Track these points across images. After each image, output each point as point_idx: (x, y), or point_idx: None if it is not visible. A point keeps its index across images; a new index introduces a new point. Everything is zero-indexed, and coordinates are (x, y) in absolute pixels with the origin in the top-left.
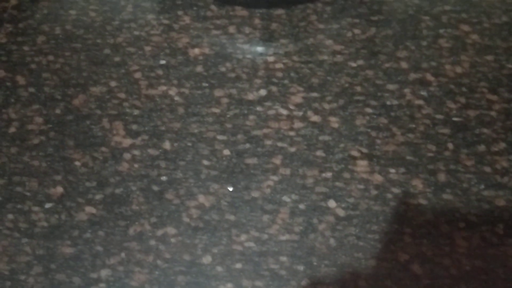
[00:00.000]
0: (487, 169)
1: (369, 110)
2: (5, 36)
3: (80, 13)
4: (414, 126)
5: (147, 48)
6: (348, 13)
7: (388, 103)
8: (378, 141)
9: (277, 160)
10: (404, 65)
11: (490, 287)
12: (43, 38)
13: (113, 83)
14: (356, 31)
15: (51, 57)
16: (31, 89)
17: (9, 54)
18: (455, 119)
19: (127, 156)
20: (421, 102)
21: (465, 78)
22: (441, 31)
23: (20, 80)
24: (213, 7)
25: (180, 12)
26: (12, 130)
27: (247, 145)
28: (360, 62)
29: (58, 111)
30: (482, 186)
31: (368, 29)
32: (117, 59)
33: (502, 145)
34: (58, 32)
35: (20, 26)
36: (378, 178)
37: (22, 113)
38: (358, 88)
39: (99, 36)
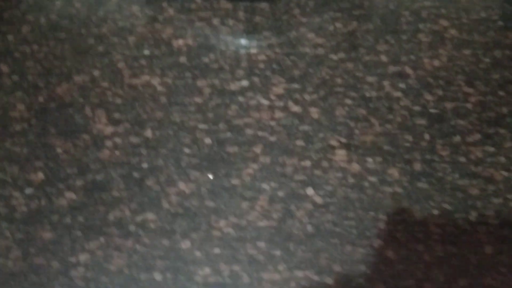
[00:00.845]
0: (462, 159)
1: (348, 101)
2: None
3: (65, 3)
4: (392, 117)
5: (131, 39)
6: (330, 7)
7: (367, 94)
8: (357, 131)
9: (258, 149)
10: (383, 58)
11: (462, 272)
12: (27, 27)
13: (96, 72)
14: (338, 25)
15: (35, 46)
16: (15, 77)
17: None
18: (432, 110)
19: (108, 143)
20: (399, 94)
21: (443, 71)
22: (421, 26)
23: (4, 68)
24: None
25: (164, 4)
26: None
27: (228, 134)
28: (341, 55)
29: (41, 98)
30: (457, 175)
31: (350, 23)
32: (101, 49)
33: (477, 136)
34: (43, 22)
35: (5, 16)
36: (355, 167)
37: (5, 101)
38: (339, 80)
39: (83, 26)
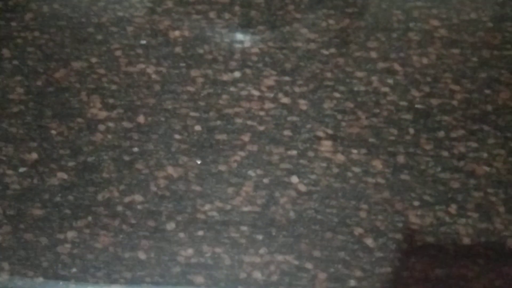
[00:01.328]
0: (445, 153)
1: (337, 94)
2: None
3: None
4: (378, 111)
5: (130, 29)
6: (324, 4)
7: (355, 89)
8: (344, 124)
9: (246, 137)
10: (373, 54)
11: (440, 262)
12: (30, 15)
13: (94, 59)
14: (331, 21)
15: (36, 33)
16: (15, 62)
17: None
18: (418, 106)
19: (101, 127)
20: (387, 89)
21: (431, 69)
22: (411, 24)
23: (6, 53)
24: None
25: None
26: None
27: (218, 122)
28: (332, 50)
29: (39, 83)
30: (439, 169)
31: (342, 20)
32: (99, 37)
33: (461, 131)
34: (46, 10)
35: (10, 4)
36: (340, 157)
37: (5, 83)
38: (328, 74)
39: (84, 15)
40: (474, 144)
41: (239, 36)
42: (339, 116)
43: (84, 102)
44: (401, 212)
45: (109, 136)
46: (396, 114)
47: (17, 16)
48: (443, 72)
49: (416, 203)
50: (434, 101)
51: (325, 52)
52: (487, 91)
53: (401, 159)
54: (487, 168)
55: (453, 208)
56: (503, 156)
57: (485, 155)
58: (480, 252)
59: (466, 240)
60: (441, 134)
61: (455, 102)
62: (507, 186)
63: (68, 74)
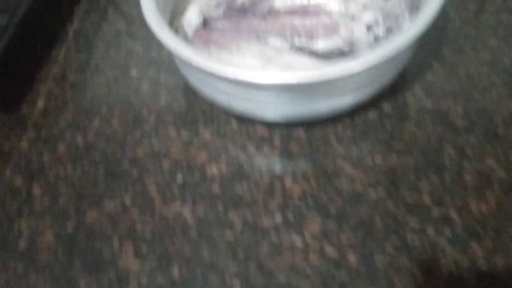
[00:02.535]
0: None
1: (389, 247)
2: (27, 143)
3: (103, 123)
4: (437, 270)
5: (165, 163)
6: (368, 137)
7: (409, 240)
8: (398, 284)
9: None
10: (426, 199)
11: None
12: (63, 147)
13: (127, 199)
14: (377, 157)
15: (69, 168)
16: (45, 201)
17: (29, 162)
18: (481, 265)
19: (133, 282)
20: (444, 242)
21: (492, 218)
22: (465, 163)
23: (37, 190)
24: (234, 123)
25: (200, 127)
26: (22, 245)
27: (259, 278)
28: (380, 192)
29: (69, 227)
30: None
31: (389, 156)
32: (134, 173)
33: None
34: (79, 142)
35: (43, 133)
36: None
37: (34, 227)
38: (378, 221)
39: (119, 148)
40: None
41: (279, 172)
42: (393, 275)
43: (115, 250)
44: None
45: None
46: (457, 275)
47: (50, 148)
48: (506, 222)
49: None
50: (499, 260)
51: (373, 193)
52: None
53: None
54: None
55: None
56: None
57: None
58: None
59: None
60: None
61: None
62: None
63: (100, 216)
